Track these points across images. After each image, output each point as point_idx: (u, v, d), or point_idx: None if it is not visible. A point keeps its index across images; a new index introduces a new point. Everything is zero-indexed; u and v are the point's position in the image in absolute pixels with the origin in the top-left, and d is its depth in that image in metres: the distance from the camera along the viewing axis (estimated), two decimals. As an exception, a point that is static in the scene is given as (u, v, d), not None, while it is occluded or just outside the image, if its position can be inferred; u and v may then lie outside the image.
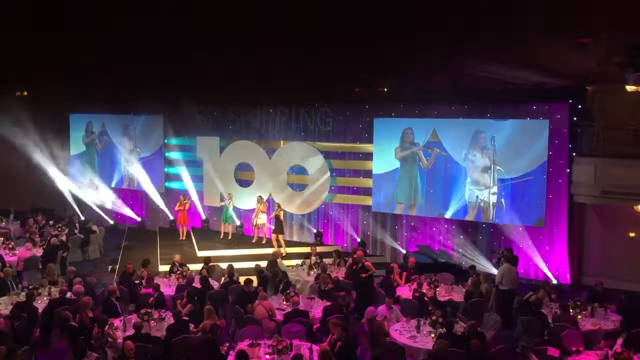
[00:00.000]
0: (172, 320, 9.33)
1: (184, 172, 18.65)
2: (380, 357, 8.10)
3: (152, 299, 10.32)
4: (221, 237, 16.73)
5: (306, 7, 6.87)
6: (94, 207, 19.74)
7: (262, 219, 16.15)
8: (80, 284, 10.83)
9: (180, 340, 8.56)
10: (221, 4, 6.88)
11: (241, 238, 16.89)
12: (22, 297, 10.32)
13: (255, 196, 16.58)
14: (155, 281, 11.22)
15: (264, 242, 16.16)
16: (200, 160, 18.34)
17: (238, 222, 17.63)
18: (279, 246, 15.36)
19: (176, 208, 17.26)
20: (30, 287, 10.93)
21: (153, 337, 8.65)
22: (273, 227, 15.66)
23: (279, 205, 15.78)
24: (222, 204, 17.20)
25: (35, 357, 9.06)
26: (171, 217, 18.57)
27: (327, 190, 16.61)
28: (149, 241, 17.33)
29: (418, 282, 11.27)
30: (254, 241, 16.24)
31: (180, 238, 16.93)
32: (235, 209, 17.19)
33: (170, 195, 18.85)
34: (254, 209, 16.40)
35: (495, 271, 12.70)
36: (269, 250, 14.62)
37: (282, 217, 15.57)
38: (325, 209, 16.81)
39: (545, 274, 13.75)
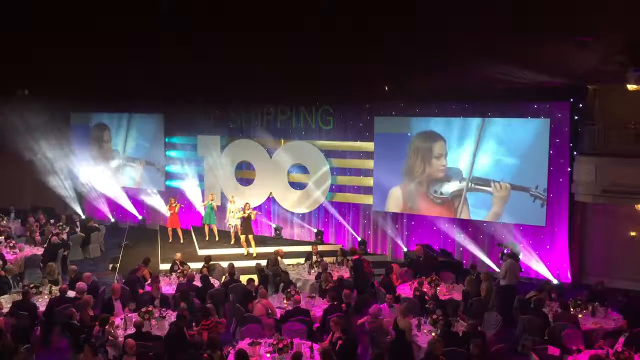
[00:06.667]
0: (172, 319, 9.35)
1: (184, 170, 18.63)
2: (381, 356, 8.08)
3: (157, 300, 10.33)
4: (206, 238, 16.48)
5: (307, 8, 6.89)
6: (96, 205, 19.74)
7: (236, 220, 15.82)
8: (83, 281, 10.84)
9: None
10: (221, 4, 6.89)
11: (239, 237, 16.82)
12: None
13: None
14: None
15: (232, 242, 15.99)
16: (201, 159, 18.35)
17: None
18: (249, 246, 15.21)
19: (167, 211, 17.10)
20: (32, 285, 10.95)
21: (154, 336, 8.67)
22: (241, 228, 15.29)
23: (248, 205, 15.54)
24: (204, 204, 16.98)
25: (36, 355, 9.06)
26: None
27: (328, 189, 16.62)
28: (150, 240, 17.33)
29: (419, 281, 11.26)
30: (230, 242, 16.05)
31: (169, 240, 16.70)
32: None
33: (170, 194, 18.79)
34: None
35: (496, 269, 12.69)
36: (270, 249, 14.60)
37: (253, 217, 15.30)
38: (326, 207, 16.80)
39: (545, 273, 13.74)
